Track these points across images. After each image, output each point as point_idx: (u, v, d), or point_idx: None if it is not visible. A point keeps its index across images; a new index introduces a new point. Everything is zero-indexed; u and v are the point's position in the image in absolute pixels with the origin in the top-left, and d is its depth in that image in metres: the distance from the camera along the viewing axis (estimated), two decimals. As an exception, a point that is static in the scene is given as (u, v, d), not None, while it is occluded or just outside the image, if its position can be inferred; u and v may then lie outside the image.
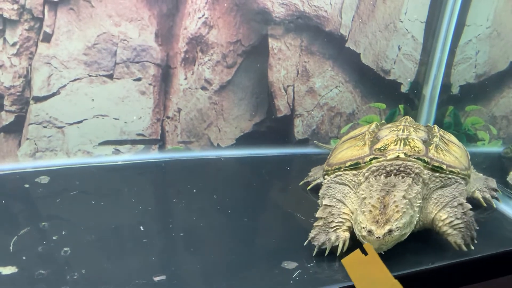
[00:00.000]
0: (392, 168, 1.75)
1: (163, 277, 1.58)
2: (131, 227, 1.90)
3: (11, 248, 1.70)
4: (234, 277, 1.63)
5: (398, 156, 1.78)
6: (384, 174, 1.74)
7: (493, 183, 2.19)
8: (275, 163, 2.63)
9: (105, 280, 1.55)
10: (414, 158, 1.78)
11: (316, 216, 1.76)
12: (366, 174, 1.79)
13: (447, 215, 1.72)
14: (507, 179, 2.34)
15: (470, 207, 1.76)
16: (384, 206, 1.61)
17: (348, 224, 1.73)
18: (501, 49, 2.68)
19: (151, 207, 2.08)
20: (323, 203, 1.80)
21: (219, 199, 2.17)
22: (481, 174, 2.23)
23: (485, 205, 2.08)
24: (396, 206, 1.61)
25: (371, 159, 1.82)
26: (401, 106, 2.85)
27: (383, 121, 2.44)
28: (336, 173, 1.89)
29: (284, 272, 1.63)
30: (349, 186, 1.83)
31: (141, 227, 1.89)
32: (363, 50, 2.69)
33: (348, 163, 1.87)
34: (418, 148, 1.84)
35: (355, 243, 1.67)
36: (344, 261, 1.40)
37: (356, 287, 1.34)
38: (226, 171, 2.53)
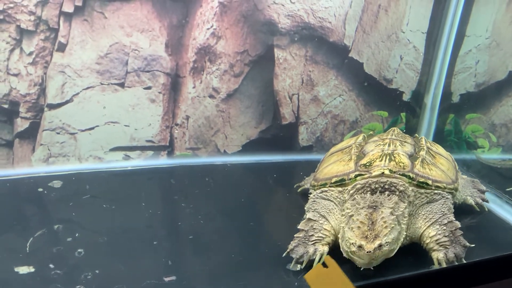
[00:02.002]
0: (377, 186, 1.75)
1: (173, 278, 1.65)
2: (141, 230, 1.96)
3: (27, 249, 1.77)
4: (240, 278, 1.68)
5: (383, 173, 1.77)
6: (370, 192, 1.74)
7: (480, 185, 2.21)
8: (280, 169, 2.69)
9: (118, 280, 1.61)
10: (399, 174, 1.78)
11: (298, 227, 1.78)
12: (351, 191, 1.78)
13: (436, 232, 1.72)
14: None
15: (459, 225, 1.75)
16: (372, 222, 1.60)
17: (327, 239, 1.75)
18: (500, 59, 2.73)
19: (160, 211, 2.15)
20: (307, 216, 1.81)
21: (226, 204, 2.24)
22: (466, 176, 2.25)
23: (478, 209, 2.11)
24: (384, 222, 1.60)
25: (356, 176, 1.81)
26: (403, 114, 2.91)
27: (371, 133, 2.44)
28: (322, 189, 1.88)
29: (289, 274, 1.68)
30: (334, 203, 1.83)
31: (151, 230, 1.96)
32: (366, 60, 2.75)
33: (334, 179, 1.86)
34: (403, 163, 1.83)
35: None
36: (307, 276, 1.39)
37: None
38: (233, 176, 2.59)
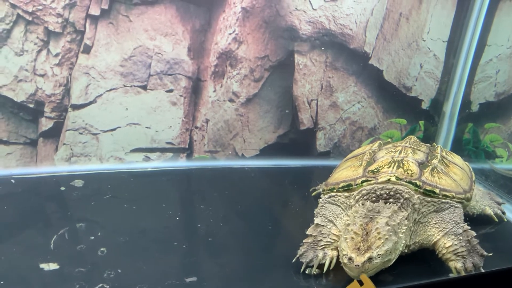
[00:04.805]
0: (382, 192, 1.74)
1: (194, 279, 1.67)
2: (161, 231, 1.99)
3: (51, 246, 1.80)
4: (259, 281, 1.70)
5: (389, 179, 1.77)
6: (373, 199, 1.74)
7: (496, 197, 2.20)
8: (297, 174, 2.71)
9: (140, 280, 1.63)
10: (406, 181, 1.76)
11: (307, 233, 1.77)
12: (357, 197, 1.78)
13: (452, 242, 1.70)
14: None
15: (474, 234, 1.73)
16: (367, 233, 1.59)
17: (336, 244, 1.73)
18: (521, 69, 2.74)
19: (179, 212, 2.17)
20: (315, 221, 1.80)
21: (244, 207, 2.25)
22: (483, 189, 2.24)
23: (497, 220, 2.10)
24: (378, 233, 1.58)
25: (362, 181, 1.81)
26: (421, 122, 2.91)
27: (389, 139, 2.44)
28: (330, 194, 1.89)
29: (306, 278, 1.69)
30: (341, 208, 1.83)
31: (171, 231, 1.99)
32: (386, 67, 2.76)
33: (341, 184, 1.87)
34: (411, 171, 1.82)
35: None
36: None
37: None
38: (250, 180, 2.61)
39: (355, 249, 1.55)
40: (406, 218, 1.69)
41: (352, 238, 1.59)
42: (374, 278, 1.63)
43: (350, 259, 1.54)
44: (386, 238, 1.58)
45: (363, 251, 1.54)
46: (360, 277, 1.41)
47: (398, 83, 2.80)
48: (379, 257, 1.55)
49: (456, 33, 2.75)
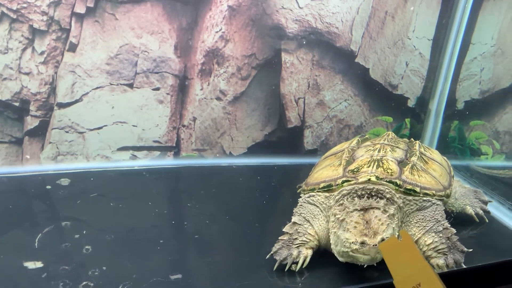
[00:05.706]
0: (363, 193, 1.73)
1: (179, 276, 1.67)
2: (147, 229, 1.99)
3: (36, 244, 1.80)
4: (245, 279, 1.70)
5: (369, 179, 1.75)
6: (356, 198, 1.73)
7: (483, 195, 2.18)
8: (285, 172, 2.72)
9: (125, 277, 1.64)
10: (386, 181, 1.75)
11: (283, 230, 1.78)
12: (337, 197, 1.77)
13: (432, 240, 1.72)
14: None
15: (455, 231, 1.74)
16: (367, 222, 1.60)
17: (311, 244, 1.75)
18: (505, 67, 2.75)
19: (166, 211, 2.17)
20: (293, 220, 1.81)
21: (231, 205, 2.26)
22: (469, 186, 2.24)
23: (477, 220, 2.09)
24: (379, 220, 1.60)
25: (343, 182, 1.79)
26: (407, 120, 2.93)
27: (366, 136, 2.43)
28: (310, 194, 1.88)
29: (292, 275, 1.70)
30: (320, 208, 1.82)
31: (157, 229, 1.99)
32: (372, 65, 2.78)
33: (322, 185, 1.86)
34: (391, 170, 1.81)
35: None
36: (381, 246, 1.45)
37: (390, 270, 1.39)
38: (238, 178, 2.61)
39: (362, 235, 1.56)
40: (396, 211, 1.70)
41: (355, 227, 1.59)
42: (360, 274, 1.66)
43: (363, 243, 1.54)
44: (388, 224, 1.60)
45: (372, 235, 1.55)
46: (400, 232, 1.40)
47: (384, 81, 2.82)
48: (387, 239, 1.55)
49: (441, 32, 2.77)
